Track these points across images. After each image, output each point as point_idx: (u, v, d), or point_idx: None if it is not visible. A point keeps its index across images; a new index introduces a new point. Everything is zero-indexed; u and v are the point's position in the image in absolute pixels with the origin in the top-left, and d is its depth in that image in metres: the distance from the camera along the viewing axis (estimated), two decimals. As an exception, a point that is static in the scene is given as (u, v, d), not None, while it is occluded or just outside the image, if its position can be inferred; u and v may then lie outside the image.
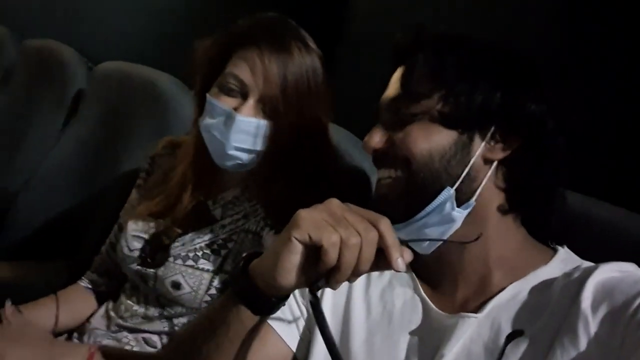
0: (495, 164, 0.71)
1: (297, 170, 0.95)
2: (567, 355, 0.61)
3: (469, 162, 0.70)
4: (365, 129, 1.16)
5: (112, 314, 1.05)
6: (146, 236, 1.02)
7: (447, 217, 0.70)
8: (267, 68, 0.91)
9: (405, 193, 0.71)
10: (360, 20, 1.43)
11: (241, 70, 0.92)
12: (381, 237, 0.57)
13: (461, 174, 0.70)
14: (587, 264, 0.70)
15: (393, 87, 0.75)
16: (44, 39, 1.89)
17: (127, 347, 0.99)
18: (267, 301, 0.63)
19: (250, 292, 0.63)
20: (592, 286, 0.64)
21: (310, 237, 0.56)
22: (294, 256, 0.58)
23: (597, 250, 0.73)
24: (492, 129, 0.70)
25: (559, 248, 0.74)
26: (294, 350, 0.77)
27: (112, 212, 1.17)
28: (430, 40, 0.74)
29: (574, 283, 0.65)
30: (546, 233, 0.75)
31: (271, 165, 0.95)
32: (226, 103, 0.92)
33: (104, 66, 1.66)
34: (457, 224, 0.70)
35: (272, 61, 0.91)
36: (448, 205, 0.69)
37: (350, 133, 1.16)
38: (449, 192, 0.69)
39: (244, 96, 0.92)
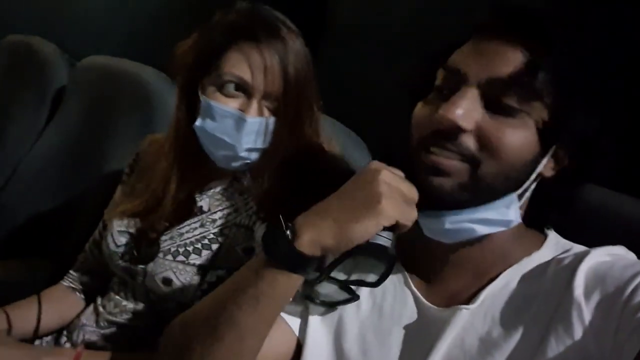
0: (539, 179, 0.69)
1: (294, 163, 0.93)
2: (562, 343, 0.60)
3: (532, 174, 0.67)
4: (353, 119, 1.17)
5: (101, 309, 1.03)
6: (132, 231, 1.00)
7: (505, 221, 0.67)
8: (267, 64, 0.88)
9: (469, 186, 0.65)
10: (344, 11, 1.42)
11: (242, 69, 0.88)
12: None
13: (524, 183, 0.67)
14: (578, 247, 0.70)
15: (506, 64, 0.64)
16: (25, 35, 1.85)
17: (118, 344, 0.97)
18: (309, 260, 0.63)
19: (303, 260, 0.63)
20: (584, 273, 0.63)
21: (397, 221, 0.62)
22: (373, 233, 0.62)
23: (587, 233, 0.72)
24: (554, 147, 0.67)
25: (549, 232, 0.73)
26: (297, 333, 0.76)
27: (97, 210, 1.15)
28: (566, 34, 0.66)
29: (566, 270, 0.65)
30: (539, 220, 0.74)
31: (270, 160, 0.92)
32: (230, 104, 0.89)
33: (87, 61, 1.64)
34: (507, 228, 0.68)
35: (272, 55, 0.88)
36: (512, 211, 0.66)
37: (340, 123, 1.15)
38: (512, 197, 0.66)
39: (248, 95, 0.90)
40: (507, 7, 0.68)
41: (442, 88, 0.68)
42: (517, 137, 0.64)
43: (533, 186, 0.69)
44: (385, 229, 0.62)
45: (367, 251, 0.63)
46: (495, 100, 0.64)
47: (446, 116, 0.63)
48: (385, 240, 0.64)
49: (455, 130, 0.64)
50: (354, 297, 0.73)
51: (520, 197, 0.67)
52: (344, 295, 0.73)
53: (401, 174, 0.65)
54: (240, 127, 0.89)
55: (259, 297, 0.64)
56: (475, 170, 0.64)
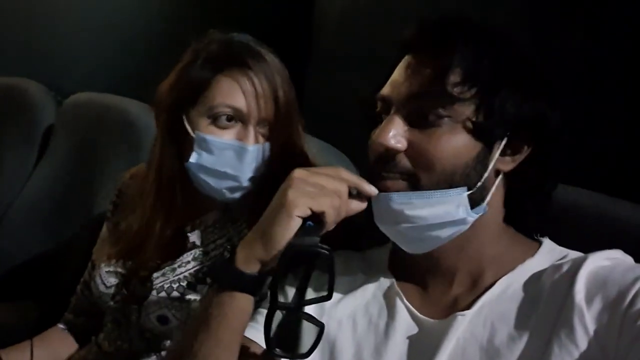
0: (501, 175, 0.70)
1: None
2: (566, 350, 0.60)
3: (484, 173, 0.67)
4: (339, 141, 1.17)
5: (95, 348, 1.01)
6: (122, 270, 0.98)
7: (459, 220, 0.67)
8: (258, 90, 0.88)
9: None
10: (327, 38, 1.43)
11: (235, 98, 0.87)
12: (348, 182, 0.66)
13: (476, 184, 0.67)
14: (574, 253, 0.70)
15: (417, 80, 0.68)
16: (10, 77, 1.85)
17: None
18: (255, 279, 0.66)
19: (241, 277, 0.65)
20: (584, 278, 0.63)
21: (311, 210, 0.63)
22: (293, 230, 0.63)
23: (582, 238, 0.72)
24: (505, 140, 0.68)
25: (543, 240, 0.73)
26: None
27: (87, 249, 1.13)
28: (467, 35, 0.68)
29: (565, 276, 0.65)
30: (529, 226, 0.74)
31: (262, 185, 0.91)
32: (226, 136, 0.88)
33: (73, 99, 1.64)
34: (466, 227, 0.68)
35: (262, 80, 0.88)
36: (461, 209, 0.66)
37: (328, 144, 1.15)
38: (462, 197, 0.66)
39: (244, 123, 0.89)
40: (421, 24, 0.72)
41: (379, 115, 0.72)
42: (448, 144, 0.66)
43: (497, 183, 0.69)
44: (314, 228, 0.64)
45: (300, 255, 0.64)
46: (418, 116, 0.67)
47: (378, 141, 0.67)
48: (313, 240, 0.64)
49: (391, 153, 0.67)
50: (318, 325, 0.68)
51: (479, 195, 0.68)
52: (310, 330, 0.70)
53: (328, 171, 0.67)
54: (242, 157, 0.88)
55: (209, 322, 0.65)
56: (416, 185, 0.67)
